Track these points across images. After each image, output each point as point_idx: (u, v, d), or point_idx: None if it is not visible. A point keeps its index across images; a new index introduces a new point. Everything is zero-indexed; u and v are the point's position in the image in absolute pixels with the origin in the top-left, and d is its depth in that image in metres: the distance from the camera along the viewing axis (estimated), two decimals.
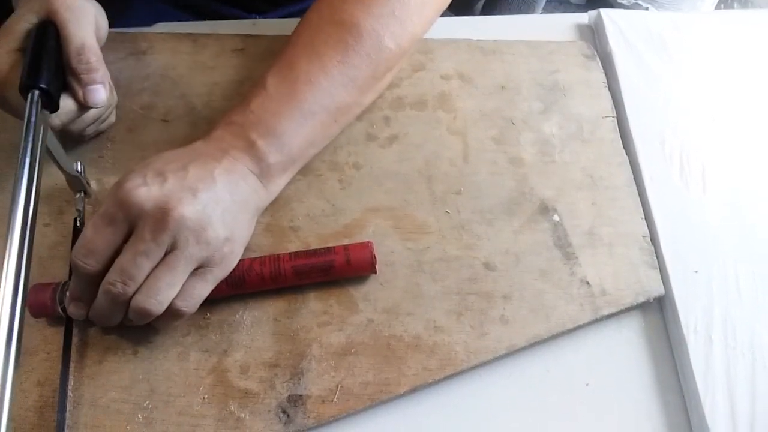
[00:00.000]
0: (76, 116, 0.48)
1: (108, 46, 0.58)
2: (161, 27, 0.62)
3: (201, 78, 0.57)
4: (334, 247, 0.46)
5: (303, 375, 0.44)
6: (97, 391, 0.43)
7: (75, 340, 0.45)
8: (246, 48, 0.59)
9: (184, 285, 0.41)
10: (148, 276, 0.41)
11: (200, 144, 0.46)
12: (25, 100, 0.43)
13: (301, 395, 0.43)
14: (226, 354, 0.44)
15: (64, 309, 0.43)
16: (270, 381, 0.43)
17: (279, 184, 0.49)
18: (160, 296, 0.40)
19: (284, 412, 0.42)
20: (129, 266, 0.40)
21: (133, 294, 0.40)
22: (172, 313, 0.41)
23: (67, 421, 0.42)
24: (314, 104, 0.48)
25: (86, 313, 0.43)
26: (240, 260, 0.45)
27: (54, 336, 0.45)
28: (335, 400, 0.43)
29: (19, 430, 0.41)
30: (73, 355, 0.44)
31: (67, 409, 0.42)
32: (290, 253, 0.46)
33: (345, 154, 0.53)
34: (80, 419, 0.42)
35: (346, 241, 0.49)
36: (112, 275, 0.40)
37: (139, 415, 0.42)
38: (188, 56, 0.59)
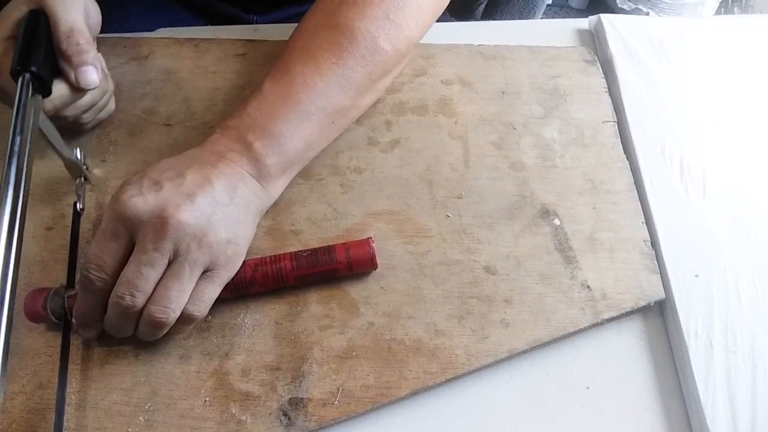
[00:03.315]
0: (69, 101, 0.48)
1: (110, 51, 0.59)
2: (163, 32, 0.63)
3: (203, 82, 0.58)
4: (334, 246, 0.46)
5: (304, 378, 0.44)
6: (99, 393, 0.43)
7: (77, 342, 0.45)
8: (247, 52, 0.60)
9: (193, 289, 0.42)
10: (156, 286, 0.41)
11: (197, 150, 0.47)
12: (16, 84, 0.43)
13: (302, 398, 0.43)
14: (228, 357, 0.44)
15: (59, 317, 0.43)
16: (271, 384, 0.43)
17: (278, 186, 0.49)
18: (173, 304, 0.40)
19: (285, 415, 0.42)
20: (135, 278, 0.40)
21: (144, 305, 0.41)
22: (183, 318, 0.42)
23: (65, 423, 0.42)
24: (310, 105, 0.48)
25: (97, 333, 0.43)
26: (242, 265, 0.45)
27: (55, 339, 0.45)
28: (336, 403, 0.43)
29: None
30: (75, 358, 0.44)
31: (67, 412, 0.42)
32: (291, 256, 0.46)
33: (346, 159, 0.54)
34: (82, 421, 0.42)
35: None
36: (120, 288, 0.40)
37: (141, 418, 0.42)
38: (190, 61, 0.59)
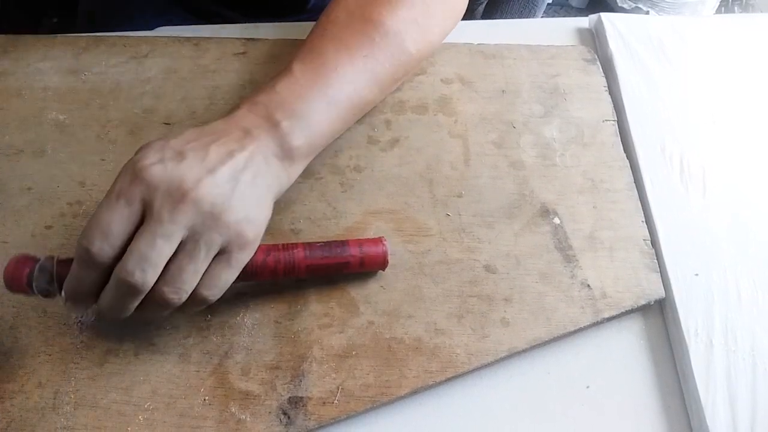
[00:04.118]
0: None
1: (109, 50, 0.59)
2: (162, 31, 0.62)
3: (202, 81, 0.58)
4: (348, 240, 0.46)
5: (304, 377, 0.44)
6: (98, 392, 0.43)
7: (76, 341, 0.45)
8: (247, 51, 0.60)
9: (208, 272, 0.39)
10: (169, 265, 0.38)
11: (222, 123, 0.44)
12: None
13: (301, 397, 0.43)
14: (227, 356, 0.44)
15: (46, 294, 0.40)
16: (271, 383, 0.43)
17: (297, 170, 0.47)
18: (186, 286, 0.38)
19: (285, 413, 0.42)
20: (148, 250, 0.36)
21: (153, 285, 0.38)
22: (197, 301, 0.40)
23: (65, 422, 0.42)
24: (339, 92, 0.48)
25: (86, 310, 0.41)
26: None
27: (55, 338, 0.45)
28: (336, 402, 0.43)
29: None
30: (74, 357, 0.44)
31: (66, 411, 0.42)
32: (305, 246, 0.45)
33: (346, 158, 0.54)
34: (81, 420, 0.42)
35: None
36: (129, 263, 0.36)
37: (140, 417, 0.42)
38: (190, 60, 0.59)
